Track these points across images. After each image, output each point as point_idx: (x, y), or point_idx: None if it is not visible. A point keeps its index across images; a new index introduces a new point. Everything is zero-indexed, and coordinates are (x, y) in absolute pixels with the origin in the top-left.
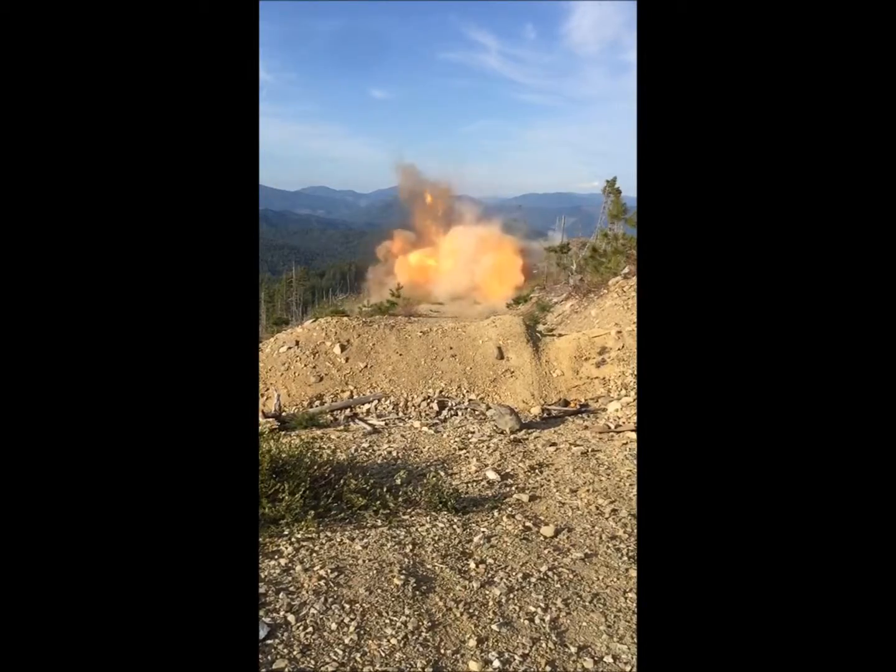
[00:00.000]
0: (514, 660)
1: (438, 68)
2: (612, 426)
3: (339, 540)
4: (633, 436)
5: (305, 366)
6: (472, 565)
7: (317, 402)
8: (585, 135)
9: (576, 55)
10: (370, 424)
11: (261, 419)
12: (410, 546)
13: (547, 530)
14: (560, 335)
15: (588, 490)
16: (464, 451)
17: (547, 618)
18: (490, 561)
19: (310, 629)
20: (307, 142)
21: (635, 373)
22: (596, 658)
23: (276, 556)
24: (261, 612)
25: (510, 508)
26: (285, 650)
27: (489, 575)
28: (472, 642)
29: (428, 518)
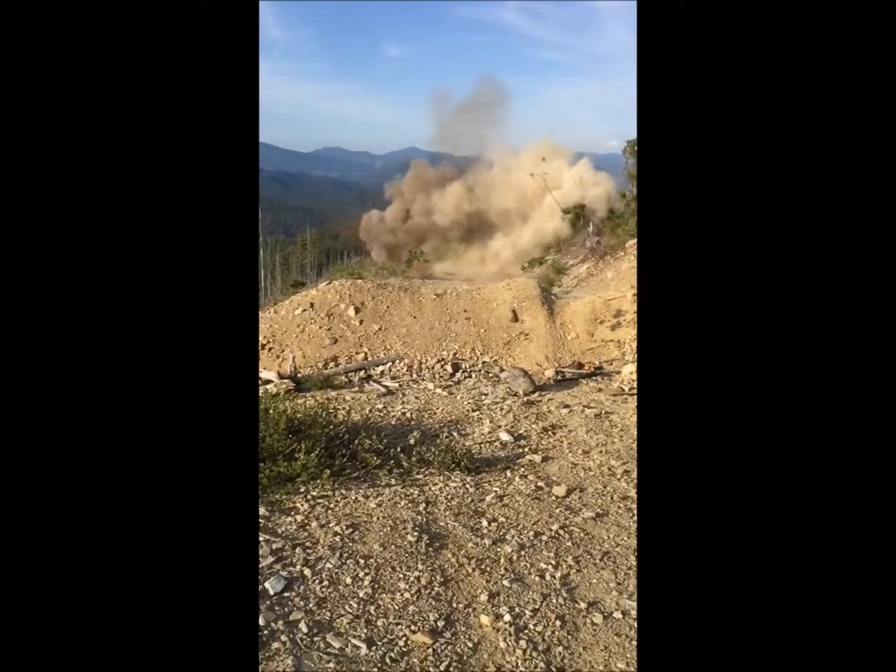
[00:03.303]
0: (525, 614)
1: (454, 23)
2: (626, 389)
3: (353, 498)
4: None
5: (320, 328)
6: (485, 523)
7: (331, 364)
8: (605, 93)
9: (596, 10)
10: (384, 386)
11: (276, 380)
12: (424, 504)
13: (559, 490)
14: (575, 297)
15: (601, 451)
16: (477, 412)
17: (557, 574)
18: (502, 519)
19: (325, 583)
20: (321, 102)
21: None
22: (605, 613)
23: (293, 513)
24: (278, 566)
25: (523, 469)
26: (301, 603)
27: (501, 533)
28: (484, 597)
29: (441, 477)
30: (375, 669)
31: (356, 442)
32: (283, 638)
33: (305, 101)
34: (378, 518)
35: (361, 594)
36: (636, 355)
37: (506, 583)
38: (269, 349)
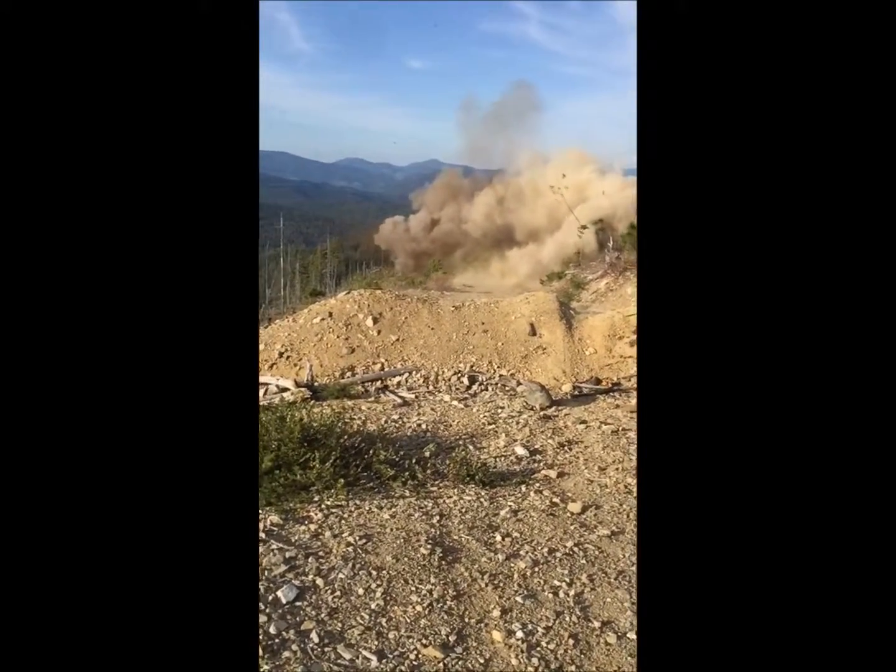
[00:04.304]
0: (538, 632)
1: (477, 38)
2: None
3: (367, 508)
4: None
5: (338, 337)
6: (499, 538)
7: (348, 374)
8: (628, 108)
9: (619, 24)
10: (400, 397)
11: (293, 388)
12: (438, 517)
13: (574, 507)
14: (594, 313)
15: (617, 468)
16: (493, 426)
17: (571, 592)
18: (516, 534)
19: (338, 593)
20: (344, 113)
21: None
22: (619, 633)
23: (307, 522)
24: (290, 575)
25: (538, 484)
26: (313, 612)
27: (515, 548)
28: (497, 613)
29: (455, 490)
30: None
31: (371, 452)
32: (294, 647)
33: (329, 112)
34: (391, 529)
35: (373, 606)
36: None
37: (519, 599)
38: (287, 357)
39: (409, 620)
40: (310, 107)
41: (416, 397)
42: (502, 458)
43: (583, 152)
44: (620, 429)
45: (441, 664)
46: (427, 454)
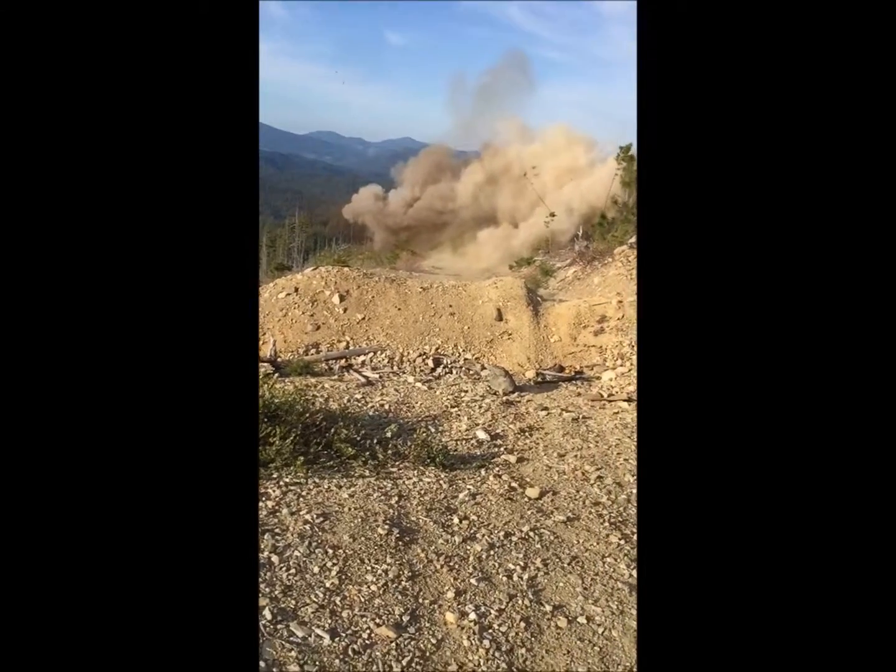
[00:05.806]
0: (490, 613)
1: (459, 14)
2: (605, 395)
3: (326, 487)
4: (625, 405)
5: (303, 313)
6: (456, 521)
7: (312, 351)
8: (605, 98)
9: (601, 14)
10: (364, 376)
11: None
12: (396, 498)
13: (532, 492)
14: (561, 301)
15: (576, 456)
16: (456, 409)
17: (525, 576)
18: (473, 518)
19: (292, 571)
20: (317, 84)
21: (633, 343)
22: (570, 618)
23: (264, 499)
24: None
25: (497, 468)
26: (267, 589)
27: (472, 531)
28: (451, 594)
29: (415, 472)
30: (337, 661)
31: (332, 431)
32: None
33: (301, 82)
34: (349, 509)
35: (328, 584)
36: (636, 360)
37: (473, 581)
38: None
39: (363, 600)
40: (283, 77)
41: (380, 377)
42: (463, 442)
43: (570, 130)
44: (581, 417)
45: (393, 644)
46: (388, 435)
